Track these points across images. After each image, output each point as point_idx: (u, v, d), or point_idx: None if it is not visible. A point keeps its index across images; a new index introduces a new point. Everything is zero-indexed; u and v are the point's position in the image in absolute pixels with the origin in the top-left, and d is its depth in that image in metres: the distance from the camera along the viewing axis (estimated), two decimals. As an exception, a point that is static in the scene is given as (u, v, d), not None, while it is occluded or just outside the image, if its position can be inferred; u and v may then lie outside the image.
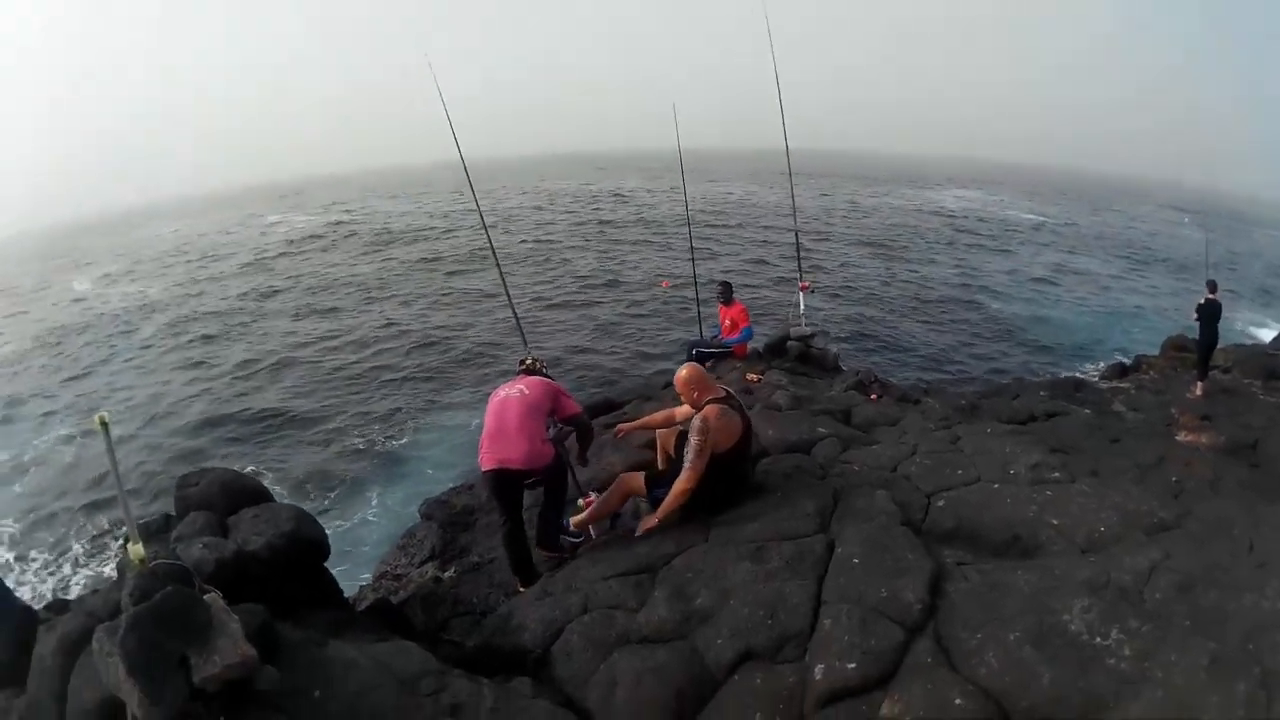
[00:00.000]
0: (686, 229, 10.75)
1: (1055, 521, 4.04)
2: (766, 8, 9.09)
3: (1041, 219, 47.90)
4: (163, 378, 17.97)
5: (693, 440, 4.04)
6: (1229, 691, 2.58)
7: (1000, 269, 29.26)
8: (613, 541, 4.51)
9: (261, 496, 4.16)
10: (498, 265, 6.19)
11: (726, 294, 9.19)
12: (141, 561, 2.74)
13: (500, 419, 4.28)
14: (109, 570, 8.89)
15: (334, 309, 23.57)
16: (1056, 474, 4.66)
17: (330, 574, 4.10)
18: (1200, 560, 3.45)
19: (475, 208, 6.15)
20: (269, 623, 2.84)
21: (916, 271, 27.45)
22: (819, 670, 2.99)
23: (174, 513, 4.16)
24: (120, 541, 2.98)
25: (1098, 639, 2.92)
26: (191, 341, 21.01)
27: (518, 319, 6.19)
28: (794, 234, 10.03)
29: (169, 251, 42.09)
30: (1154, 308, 24.14)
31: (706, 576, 3.73)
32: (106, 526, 10.56)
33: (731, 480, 4.24)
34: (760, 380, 8.01)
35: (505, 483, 4.30)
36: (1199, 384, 10.34)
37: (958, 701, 2.72)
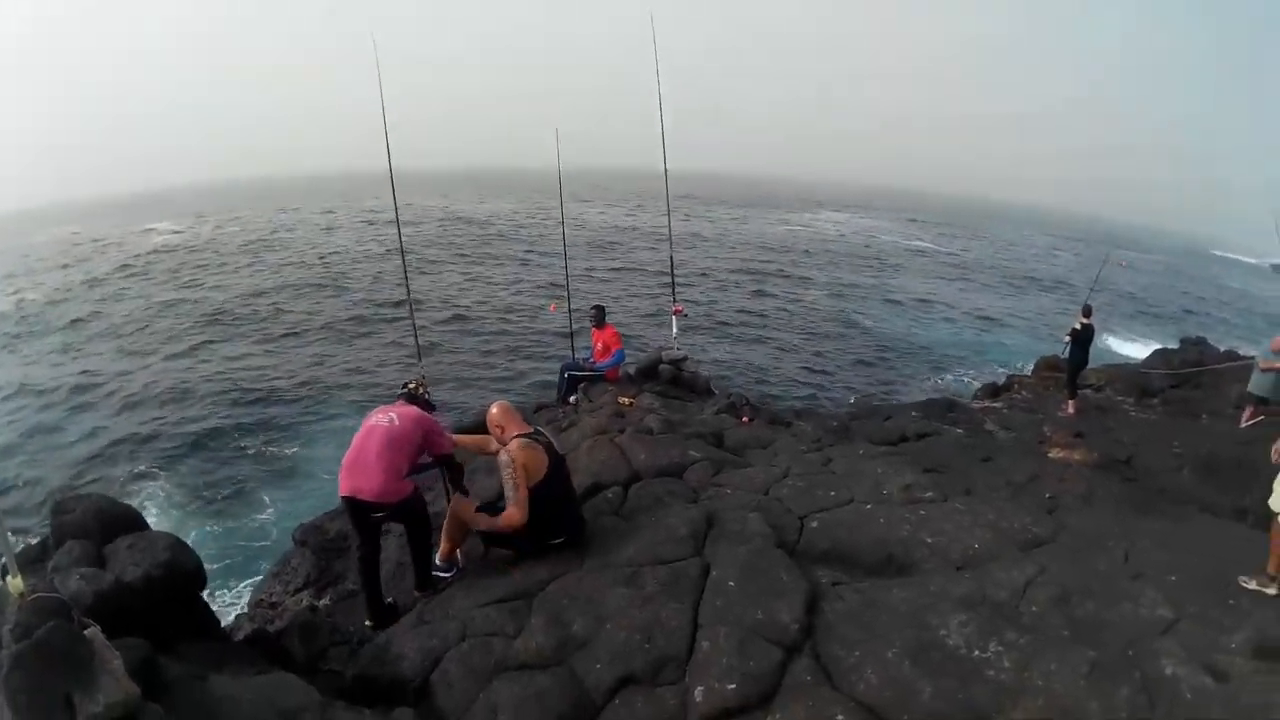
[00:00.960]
0: (562, 251, 11.00)
1: (929, 540, 4.23)
2: (654, 31, 9.45)
3: (920, 243, 51.52)
4: (45, 385, 17.34)
5: (505, 476, 4.21)
6: (1110, 696, 2.76)
7: (875, 291, 31.22)
8: (486, 568, 4.42)
9: (136, 524, 4.22)
10: (406, 283, 5.82)
11: (599, 318, 9.24)
12: (21, 595, 2.71)
13: (361, 447, 4.23)
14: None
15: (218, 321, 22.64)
16: (929, 493, 4.90)
17: (206, 604, 4.16)
18: (1076, 573, 3.72)
19: (394, 217, 5.82)
20: (151, 658, 2.83)
21: (791, 294, 28.79)
22: (699, 692, 2.98)
23: (50, 540, 4.21)
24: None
25: (976, 652, 3.06)
26: (74, 352, 20.26)
27: (417, 337, 5.84)
28: (668, 258, 10.21)
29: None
30: (1028, 328, 26.40)
31: (582, 602, 3.70)
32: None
33: (550, 515, 4.26)
34: (633, 404, 8.00)
35: (358, 511, 4.27)
36: (1070, 402, 11.15)
37: (839, 718, 2.74)
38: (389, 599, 4.65)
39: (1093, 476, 6.29)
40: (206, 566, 4.18)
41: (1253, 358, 10.20)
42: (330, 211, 54.61)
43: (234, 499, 12.14)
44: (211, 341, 20.80)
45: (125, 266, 34.28)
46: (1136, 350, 21.16)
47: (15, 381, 17.78)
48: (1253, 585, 3.55)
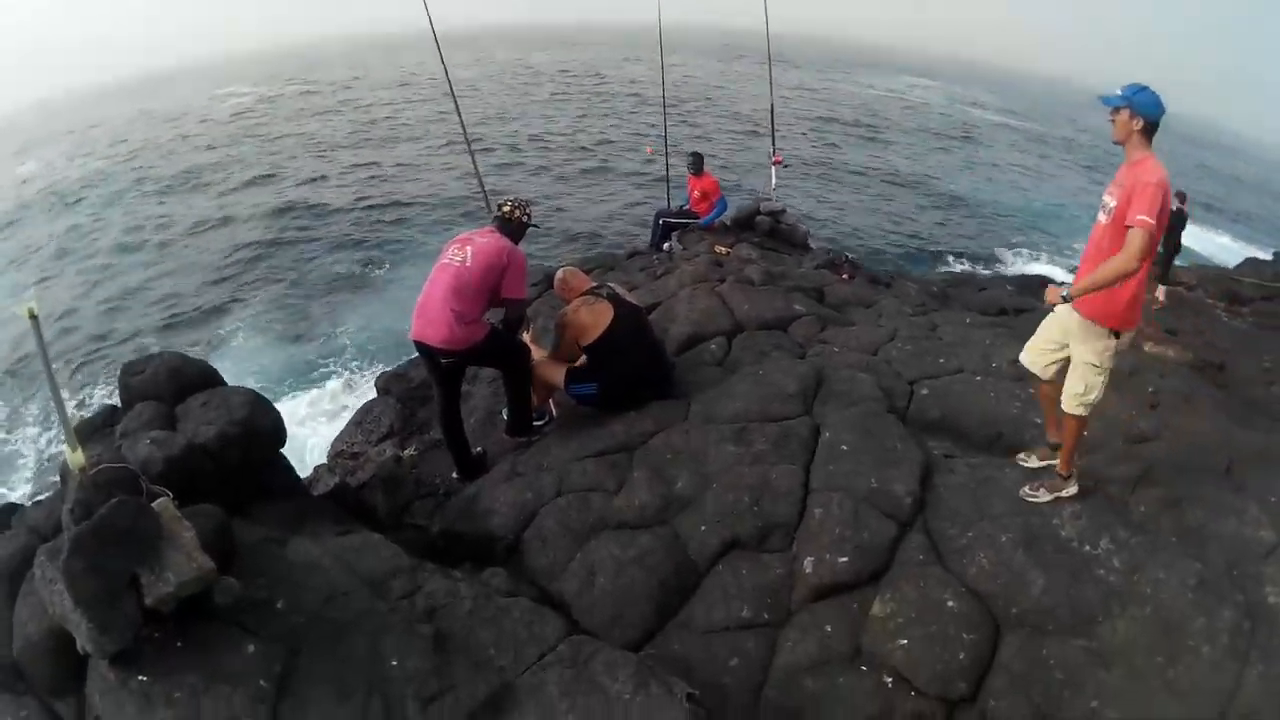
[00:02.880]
0: (661, 95, 10.24)
1: (1039, 421, 3.99)
2: None
3: (1004, 120, 47.11)
4: (103, 261, 16.92)
5: (552, 333, 4.24)
6: (1213, 616, 2.58)
7: (965, 160, 29.28)
8: (584, 418, 4.29)
9: (211, 380, 3.81)
10: (458, 112, 5.47)
11: (697, 164, 8.72)
12: (82, 470, 2.46)
13: (429, 289, 3.89)
14: (55, 477, 8.41)
15: (270, 175, 22.42)
16: (1038, 372, 4.64)
17: (287, 461, 3.85)
18: (1182, 476, 3.45)
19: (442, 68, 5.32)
20: (225, 526, 2.60)
21: (881, 157, 27.15)
22: (809, 563, 2.91)
23: (120, 403, 3.82)
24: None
25: (1087, 547, 2.90)
26: (137, 220, 19.66)
27: (479, 174, 5.54)
28: (769, 108, 9.42)
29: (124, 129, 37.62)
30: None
31: (687, 458, 3.59)
32: (55, 423, 9.83)
33: (624, 368, 4.15)
34: (729, 253, 7.75)
35: (430, 357, 3.99)
36: (1161, 289, 10.62)
37: (950, 604, 2.69)
38: (478, 449, 4.41)
39: (1190, 376, 5.93)
40: (286, 400, 3.96)
41: None
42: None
43: (318, 322, 12.34)
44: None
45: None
46: (1222, 250, 19.58)
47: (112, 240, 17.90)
48: None
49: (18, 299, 9.44)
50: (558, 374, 4.26)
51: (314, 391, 10.12)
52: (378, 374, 6.76)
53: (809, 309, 5.70)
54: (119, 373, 3.89)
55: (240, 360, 11.20)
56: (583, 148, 24.95)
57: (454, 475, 4.32)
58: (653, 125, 23.73)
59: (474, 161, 6.74)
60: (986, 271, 15.10)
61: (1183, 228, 10.27)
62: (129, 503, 2.27)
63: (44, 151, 32.27)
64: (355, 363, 10.98)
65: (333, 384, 10.33)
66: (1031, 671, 2.53)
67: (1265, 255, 16.26)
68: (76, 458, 2.47)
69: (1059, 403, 3.19)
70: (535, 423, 4.47)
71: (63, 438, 2.58)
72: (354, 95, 39.45)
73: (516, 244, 4.00)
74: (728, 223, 9.08)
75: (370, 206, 18.07)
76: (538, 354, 4.40)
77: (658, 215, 9.07)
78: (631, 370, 4.18)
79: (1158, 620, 2.60)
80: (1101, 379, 3.10)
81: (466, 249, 3.84)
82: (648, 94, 34.27)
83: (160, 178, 23.46)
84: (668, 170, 9.88)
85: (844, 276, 7.69)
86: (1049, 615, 2.66)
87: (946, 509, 3.17)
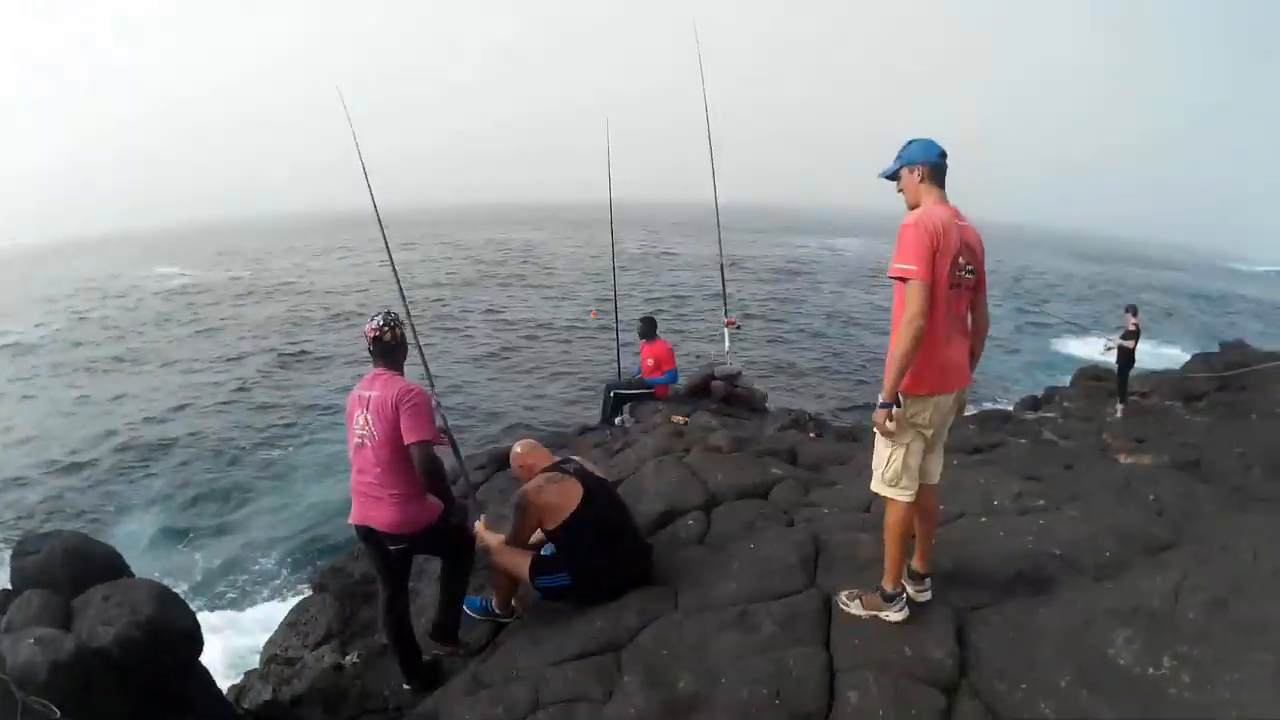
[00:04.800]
0: (610, 262, 10.61)
1: (1057, 551, 4.00)
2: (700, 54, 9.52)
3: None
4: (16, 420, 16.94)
5: (512, 516, 4.04)
6: None
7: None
8: (552, 614, 4.07)
9: (114, 569, 3.52)
10: (398, 283, 5.55)
11: (649, 330, 9.06)
12: None
13: (357, 472, 3.65)
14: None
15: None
16: (1041, 502, 4.71)
17: (205, 672, 3.48)
18: (1216, 574, 3.47)
19: (382, 239, 5.50)
20: None
21: (820, 311, 29.08)
22: None
23: (10, 586, 3.48)
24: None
25: (1150, 670, 2.85)
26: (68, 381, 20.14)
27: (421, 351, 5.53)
28: (719, 268, 10.03)
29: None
30: (1037, 348, 26.36)
31: (685, 653, 3.39)
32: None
33: (597, 551, 3.97)
34: (687, 422, 7.88)
35: (375, 544, 3.74)
36: (1120, 407, 11.36)
37: (1024, 766, 2.54)
38: (429, 655, 4.15)
39: (1181, 476, 6.15)
40: (202, 597, 3.59)
41: None
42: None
43: (240, 508, 11.77)
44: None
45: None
46: (1168, 360, 20.86)
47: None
48: None
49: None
50: (521, 564, 4.04)
51: (237, 587, 9.51)
52: (313, 568, 6.35)
53: (786, 472, 5.74)
54: (11, 553, 3.57)
55: (144, 549, 10.53)
56: (523, 321, 26.08)
57: (405, 686, 4.01)
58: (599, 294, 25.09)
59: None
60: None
61: (1136, 341, 11.10)
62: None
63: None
64: (288, 555, 10.39)
65: (259, 579, 9.73)
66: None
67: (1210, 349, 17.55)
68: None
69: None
70: (501, 619, 4.28)
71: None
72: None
73: (402, 368, 3.78)
74: (680, 390, 9.29)
75: (297, 400, 17.96)
76: (492, 541, 4.21)
77: (608, 387, 9.26)
78: (608, 556, 4.00)
79: (1248, 720, 2.52)
80: (888, 451, 3.12)
81: (367, 421, 3.57)
82: (596, 264, 36.89)
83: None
84: (618, 339, 10.10)
85: (812, 435, 7.86)
86: None
87: (990, 665, 3.06)
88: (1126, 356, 11.16)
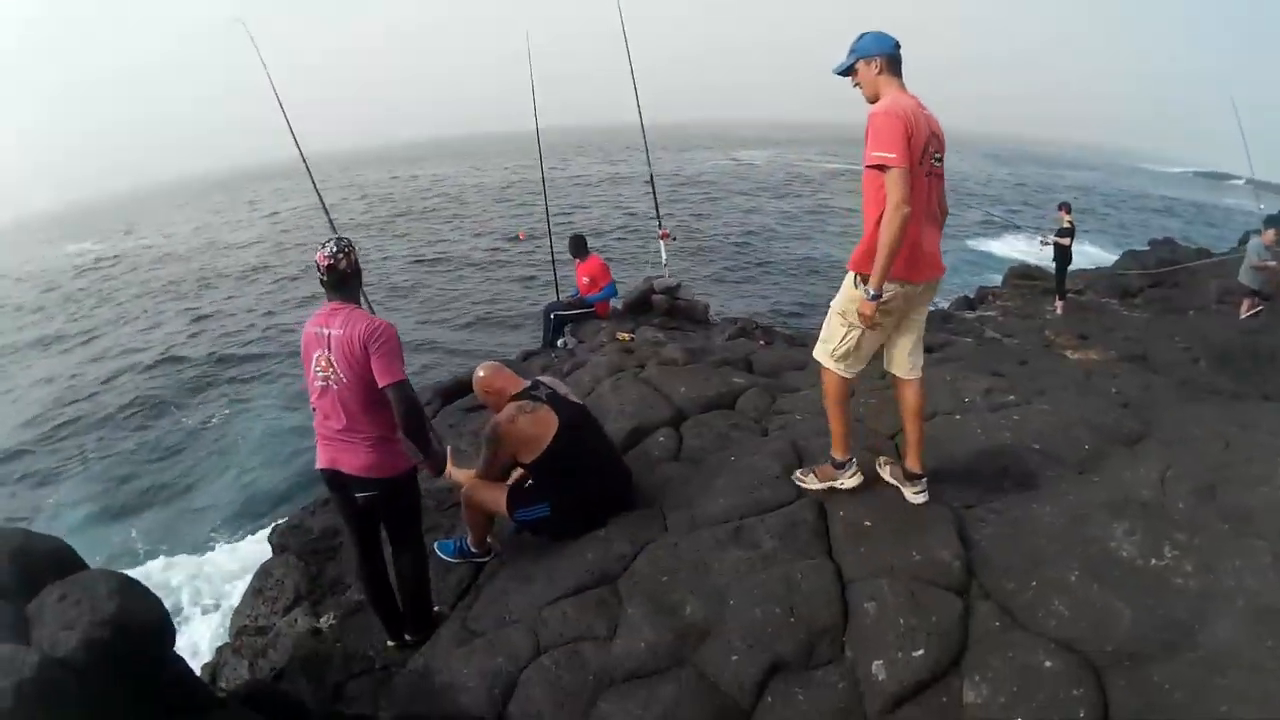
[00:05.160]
0: (540, 176, 10.22)
1: (1036, 446, 4.08)
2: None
3: (838, 165, 52.28)
4: None
5: (483, 449, 3.84)
6: None
7: (816, 214, 31.74)
8: (536, 549, 3.91)
9: (66, 564, 3.04)
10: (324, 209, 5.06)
11: (580, 248, 8.81)
12: None
13: (321, 416, 3.35)
14: None
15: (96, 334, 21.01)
16: (1011, 397, 4.78)
17: (181, 662, 3.12)
18: (1195, 462, 3.58)
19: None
20: None
21: (738, 223, 28.90)
22: (878, 667, 2.68)
23: None
24: None
25: (1153, 560, 2.90)
26: None
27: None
28: (649, 180, 9.73)
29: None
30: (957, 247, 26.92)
31: (685, 576, 3.28)
32: None
33: (580, 481, 3.83)
34: (633, 339, 7.72)
35: (342, 491, 3.45)
36: (1059, 303, 11.74)
37: (1047, 664, 2.56)
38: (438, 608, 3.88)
39: (1136, 370, 6.37)
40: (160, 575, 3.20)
41: (1232, 251, 10.84)
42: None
43: (178, 480, 11.07)
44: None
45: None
46: (1091, 258, 21.52)
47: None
48: None
49: None
50: (497, 499, 3.84)
51: (193, 559, 8.76)
52: (269, 529, 5.94)
53: (749, 381, 5.67)
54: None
55: (90, 535, 9.67)
56: (446, 256, 25.38)
57: (389, 643, 3.79)
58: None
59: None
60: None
61: (1072, 238, 11.40)
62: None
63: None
64: (237, 520, 9.78)
65: (214, 548, 9.05)
66: (1150, 703, 2.43)
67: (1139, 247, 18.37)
68: None
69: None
70: (479, 559, 4.07)
71: None
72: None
73: (358, 298, 3.44)
74: (619, 307, 9.12)
75: (222, 358, 17.07)
76: (462, 477, 4.02)
77: (547, 309, 9.06)
78: (590, 484, 3.85)
79: (1253, 609, 2.60)
80: (845, 330, 3.26)
81: (330, 362, 3.24)
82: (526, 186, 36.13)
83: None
84: (554, 260, 9.91)
85: (762, 343, 7.81)
86: (1146, 641, 2.60)
87: (996, 564, 3.08)
88: (1063, 253, 11.45)
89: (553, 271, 9.98)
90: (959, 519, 3.36)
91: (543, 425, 3.71)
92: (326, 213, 4.86)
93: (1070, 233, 11.31)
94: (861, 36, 3.14)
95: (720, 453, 4.39)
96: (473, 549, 4.11)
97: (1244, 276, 9.51)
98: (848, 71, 3.17)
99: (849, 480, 3.53)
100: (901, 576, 2.98)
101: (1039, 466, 3.88)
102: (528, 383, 4.03)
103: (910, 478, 3.48)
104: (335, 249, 3.29)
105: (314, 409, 3.40)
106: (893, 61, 3.10)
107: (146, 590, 2.87)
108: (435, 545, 4.14)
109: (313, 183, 4.96)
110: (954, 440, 4.22)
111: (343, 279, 3.32)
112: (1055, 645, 2.63)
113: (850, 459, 3.54)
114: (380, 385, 3.18)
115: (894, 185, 2.81)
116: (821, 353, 3.40)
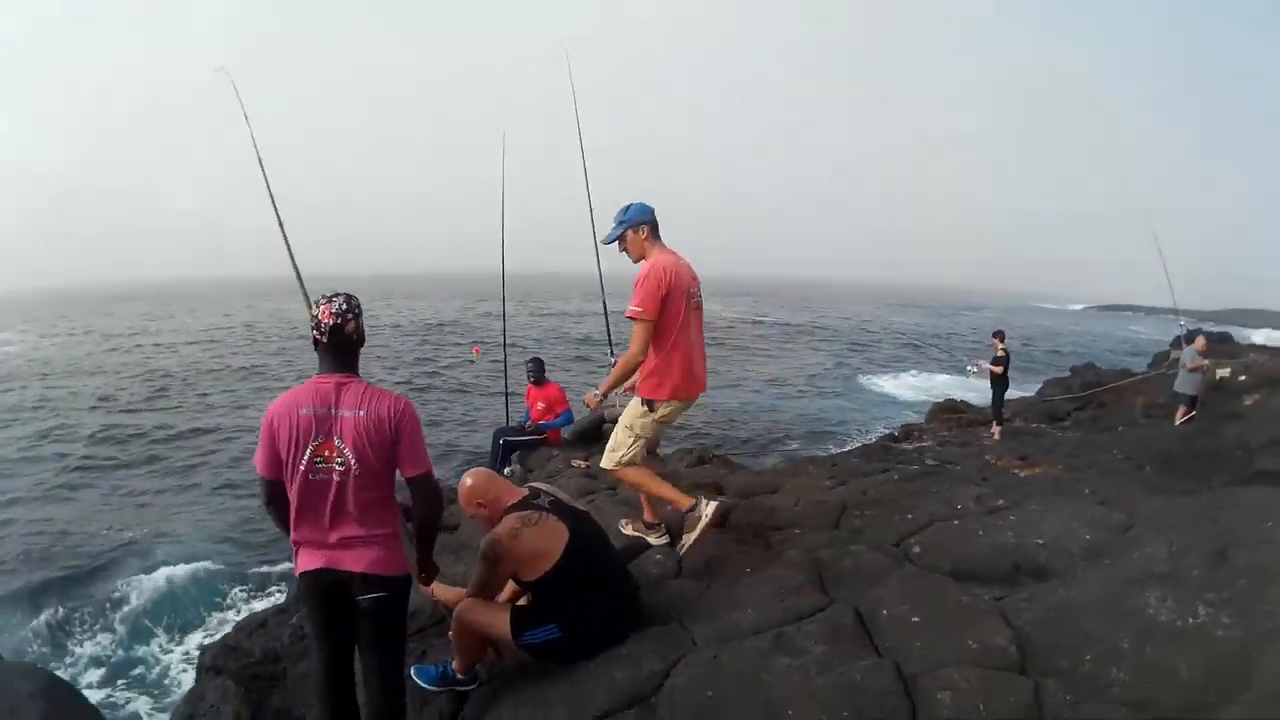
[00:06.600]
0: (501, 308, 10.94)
1: (1041, 542, 4.37)
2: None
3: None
4: None
5: (477, 567, 3.63)
6: None
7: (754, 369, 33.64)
8: (543, 675, 3.66)
9: None
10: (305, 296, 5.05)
11: (538, 373, 9.03)
12: None
13: (323, 498, 2.93)
14: None
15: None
16: (1001, 501, 5.12)
17: None
18: (1198, 540, 3.90)
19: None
20: None
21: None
22: None
23: None
24: None
25: (1190, 620, 3.17)
26: None
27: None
28: (602, 308, 10.15)
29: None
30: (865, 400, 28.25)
31: (733, 691, 3.25)
32: None
33: (594, 602, 3.69)
34: (588, 466, 7.82)
35: (335, 595, 3.03)
36: (997, 428, 12.65)
37: (1122, 729, 2.73)
38: None
39: (1099, 477, 6.89)
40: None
41: (1151, 369, 12.24)
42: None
43: (95, 581, 10.26)
44: None
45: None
46: (1012, 392, 23.75)
47: None
48: None
49: None
50: (497, 621, 3.60)
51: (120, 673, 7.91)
52: (197, 647, 5.22)
53: (732, 501, 5.86)
54: None
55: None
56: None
57: None
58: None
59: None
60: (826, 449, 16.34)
61: (1006, 365, 12.45)
62: None
63: None
64: (160, 637, 8.76)
65: (139, 663, 8.10)
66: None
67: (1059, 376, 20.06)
68: None
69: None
70: (463, 688, 3.78)
71: None
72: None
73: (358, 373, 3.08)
74: (567, 436, 9.24)
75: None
76: (450, 597, 3.90)
77: (497, 434, 9.15)
78: (605, 602, 3.69)
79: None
80: (630, 440, 4.48)
81: (339, 445, 2.89)
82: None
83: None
84: (506, 384, 10.26)
85: (725, 473, 8.04)
86: (1206, 691, 2.82)
87: (1045, 645, 3.29)
88: (1000, 380, 12.44)
89: (505, 395, 10.34)
90: (1000, 609, 3.57)
91: (551, 538, 3.56)
92: (300, 280, 4.80)
93: (1005, 360, 12.36)
94: (627, 208, 4.18)
95: (726, 569, 4.52)
96: (458, 675, 3.82)
97: (1180, 385, 10.57)
98: (618, 240, 4.26)
99: (655, 539, 4.92)
100: (966, 665, 3.14)
101: (1050, 559, 4.18)
102: (525, 491, 3.86)
103: (655, 528, 4.90)
104: (344, 305, 2.96)
105: (300, 505, 2.97)
106: (655, 226, 4.18)
107: (74, 690, 2.60)
108: (412, 670, 3.84)
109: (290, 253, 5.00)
110: (960, 543, 4.50)
111: (347, 344, 3.00)
112: (1126, 709, 2.84)
113: (660, 523, 4.98)
114: (407, 475, 2.99)
115: (637, 335, 4.05)
116: (610, 461, 4.57)
